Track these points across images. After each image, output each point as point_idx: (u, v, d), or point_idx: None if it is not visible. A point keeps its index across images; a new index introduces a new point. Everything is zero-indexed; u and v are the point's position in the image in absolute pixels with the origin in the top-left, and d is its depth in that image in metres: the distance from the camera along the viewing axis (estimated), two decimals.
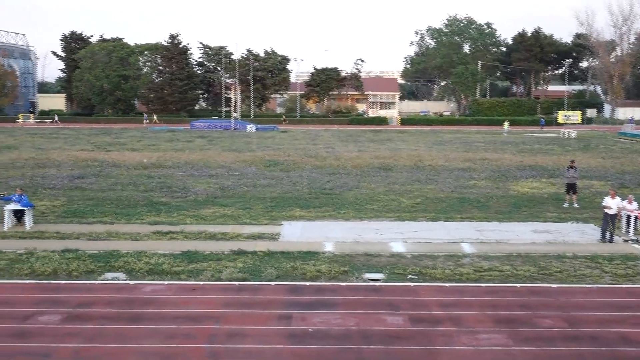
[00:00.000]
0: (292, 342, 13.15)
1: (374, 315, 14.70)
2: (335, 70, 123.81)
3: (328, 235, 22.59)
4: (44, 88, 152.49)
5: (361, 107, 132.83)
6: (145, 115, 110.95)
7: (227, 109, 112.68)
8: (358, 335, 13.54)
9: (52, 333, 13.50)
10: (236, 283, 17.05)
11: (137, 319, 14.37)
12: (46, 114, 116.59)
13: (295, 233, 23.00)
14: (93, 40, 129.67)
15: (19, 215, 23.77)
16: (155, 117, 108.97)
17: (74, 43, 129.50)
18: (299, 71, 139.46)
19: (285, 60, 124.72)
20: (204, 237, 22.17)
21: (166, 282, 17.09)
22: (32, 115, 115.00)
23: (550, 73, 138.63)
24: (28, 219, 23.51)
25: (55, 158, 46.92)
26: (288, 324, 14.17)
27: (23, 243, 21.09)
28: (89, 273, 17.86)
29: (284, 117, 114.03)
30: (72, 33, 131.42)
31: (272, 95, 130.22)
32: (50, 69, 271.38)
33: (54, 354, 12.41)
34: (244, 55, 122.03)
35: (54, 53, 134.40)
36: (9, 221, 23.38)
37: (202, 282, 17.10)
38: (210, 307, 15.22)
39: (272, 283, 17.07)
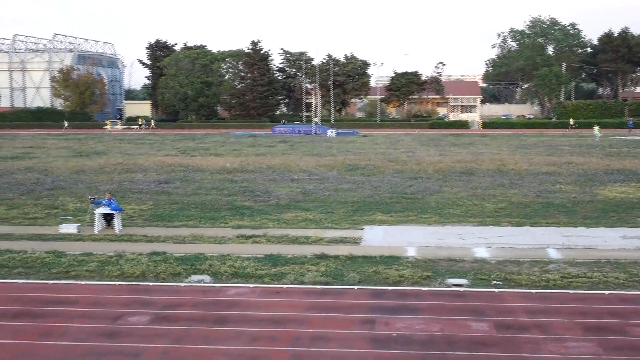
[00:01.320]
0: (375, 347, 13.12)
1: (458, 321, 14.53)
2: (415, 74, 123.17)
3: (410, 239, 22.46)
4: (131, 95, 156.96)
5: (442, 111, 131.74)
6: (142, 120, 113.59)
7: (307, 113, 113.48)
8: (442, 341, 13.40)
9: (141, 333, 13.85)
10: (319, 287, 17.12)
11: (222, 321, 14.60)
12: (133, 120, 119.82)
13: (377, 237, 22.96)
14: (177, 48, 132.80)
15: (108, 218, 24.49)
16: (152, 124, 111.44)
17: (159, 51, 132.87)
18: (379, 75, 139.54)
19: (365, 64, 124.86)
20: (287, 240, 22.36)
21: (250, 285, 17.32)
22: (119, 121, 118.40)
23: (638, 74, 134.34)
24: (117, 222, 24.22)
25: (141, 163, 48.17)
26: (371, 328, 14.15)
27: (112, 246, 21.73)
28: (175, 275, 18.26)
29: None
30: (157, 41, 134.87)
31: (352, 100, 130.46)
32: (137, 77, 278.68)
33: (144, 354, 12.72)
34: (324, 61, 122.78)
35: (140, 61, 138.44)
36: (99, 224, 24.12)
37: (285, 286, 17.25)
38: (293, 310, 15.33)
39: (355, 287, 17.08)
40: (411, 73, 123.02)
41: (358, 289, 16.98)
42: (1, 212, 28.37)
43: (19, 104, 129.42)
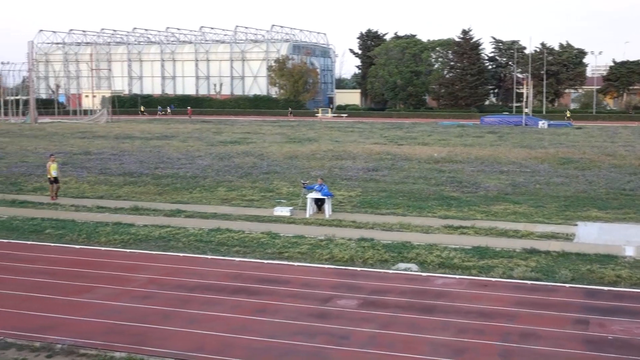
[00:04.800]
0: (588, 349, 12.55)
1: None
2: (637, 64, 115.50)
3: (629, 239, 21.16)
4: (341, 84, 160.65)
5: None
6: (159, 107, 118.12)
7: (517, 104, 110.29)
8: None
9: (349, 316, 14.20)
10: (528, 282, 16.64)
11: (428, 310, 14.63)
12: (342, 109, 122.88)
13: (592, 234, 21.88)
14: (388, 37, 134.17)
15: (319, 203, 25.30)
16: (169, 109, 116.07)
17: (370, 41, 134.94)
18: (596, 65, 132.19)
19: (581, 53, 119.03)
20: (495, 233, 21.91)
21: (457, 276, 17.19)
22: (330, 109, 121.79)
23: None
24: (327, 208, 24.97)
25: (351, 150, 49.26)
26: (584, 329, 13.54)
27: (323, 230, 22.43)
28: (382, 262, 18.52)
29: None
30: (369, 31, 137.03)
31: (566, 90, 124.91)
32: (347, 66, 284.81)
33: (351, 337, 13.05)
34: (537, 49, 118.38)
35: (351, 50, 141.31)
36: (310, 208, 24.99)
37: (493, 279, 16.94)
38: (501, 304, 15.02)
39: (567, 285, 16.41)
40: (632, 62, 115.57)
41: (570, 287, 16.31)
42: (222, 193, 30.25)
43: (238, 91, 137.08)
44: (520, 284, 16.57)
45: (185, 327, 13.52)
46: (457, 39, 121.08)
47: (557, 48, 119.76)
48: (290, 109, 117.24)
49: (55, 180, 28.85)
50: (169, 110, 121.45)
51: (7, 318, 13.99)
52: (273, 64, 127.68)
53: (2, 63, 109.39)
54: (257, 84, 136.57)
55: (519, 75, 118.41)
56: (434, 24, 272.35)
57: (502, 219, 24.29)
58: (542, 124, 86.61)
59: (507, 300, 15.35)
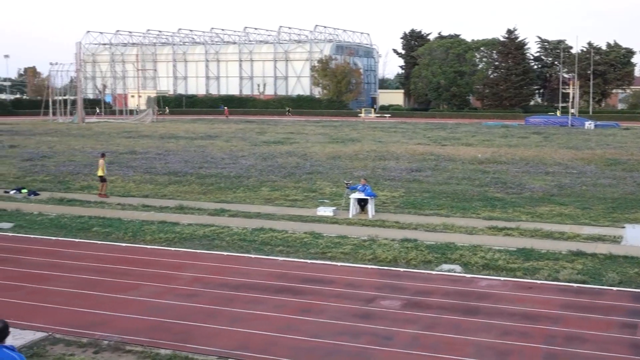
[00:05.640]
0: (635, 353, 12.32)
1: None
2: None
3: None
4: (384, 84, 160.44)
5: None
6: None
7: (563, 104, 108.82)
8: None
9: (393, 317, 14.17)
10: (574, 285, 16.41)
11: (472, 312, 14.52)
12: (385, 109, 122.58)
13: None
14: (431, 37, 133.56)
15: (362, 203, 25.29)
16: (167, 110, 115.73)
17: (413, 41, 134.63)
18: None
19: (629, 53, 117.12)
20: (540, 235, 21.66)
21: (501, 278, 17.03)
22: (373, 110, 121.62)
23: None
24: (371, 208, 24.95)
25: (394, 151, 49.14)
26: (632, 333, 13.31)
27: (366, 230, 22.41)
28: (426, 263, 18.44)
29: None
30: (412, 31, 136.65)
31: (613, 91, 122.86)
32: (390, 66, 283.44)
33: (395, 338, 13.02)
34: (584, 49, 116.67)
35: (395, 51, 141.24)
36: (353, 209, 24.99)
37: (538, 281, 16.74)
38: (546, 307, 14.84)
39: (614, 288, 16.14)
40: None
41: (618, 290, 16.04)
42: (265, 193, 30.42)
43: (281, 92, 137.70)
44: (566, 286, 16.35)
45: (230, 325, 13.64)
46: (501, 39, 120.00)
47: (604, 47, 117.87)
48: (288, 109, 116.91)
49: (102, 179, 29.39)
50: (167, 110, 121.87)
51: (55, 314, 14.27)
52: (316, 64, 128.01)
53: (51, 64, 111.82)
54: (300, 84, 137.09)
55: (565, 75, 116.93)
56: (478, 24, 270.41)
57: (548, 221, 24.00)
58: (589, 124, 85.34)
59: (552, 302, 15.17)
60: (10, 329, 7.69)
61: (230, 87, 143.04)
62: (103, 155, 30.99)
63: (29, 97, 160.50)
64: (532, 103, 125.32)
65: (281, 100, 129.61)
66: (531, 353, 12.34)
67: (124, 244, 20.72)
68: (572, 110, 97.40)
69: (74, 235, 21.98)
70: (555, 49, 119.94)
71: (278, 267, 18.19)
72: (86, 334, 13.09)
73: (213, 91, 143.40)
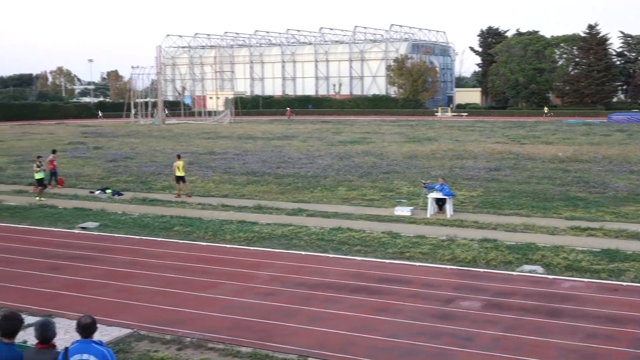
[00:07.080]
0: None
1: None
2: None
3: None
4: (460, 82, 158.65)
5: None
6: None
7: None
8: None
9: (473, 318, 13.99)
10: None
11: (555, 314, 14.20)
12: (462, 108, 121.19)
13: None
14: (509, 34, 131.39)
15: (440, 203, 25.05)
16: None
17: (490, 38, 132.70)
18: None
19: None
20: (626, 235, 21.02)
21: (585, 280, 16.60)
22: (449, 108, 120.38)
23: None
24: (449, 208, 24.68)
25: (471, 150, 48.52)
26: None
27: (444, 230, 22.18)
28: (506, 264, 18.13)
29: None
30: (489, 28, 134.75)
31: None
32: (467, 64, 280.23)
33: (475, 339, 12.85)
34: None
35: (472, 48, 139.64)
36: (431, 208, 24.78)
37: (624, 283, 16.26)
38: (633, 309, 14.40)
39: None
40: None
41: None
42: (342, 192, 30.46)
43: (357, 91, 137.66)
44: None
45: (308, 324, 13.70)
46: (582, 35, 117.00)
47: None
48: (288, 109, 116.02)
49: (180, 179, 29.93)
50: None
51: (140, 311, 14.62)
52: (392, 64, 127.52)
53: (133, 67, 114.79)
54: (376, 84, 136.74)
55: None
56: (557, 20, 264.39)
57: (634, 221, 23.27)
58: None
59: (638, 305, 14.70)
60: (97, 325, 7.92)
61: (307, 88, 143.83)
62: (179, 156, 31.55)
63: (111, 100, 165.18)
64: (614, 100, 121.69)
65: (356, 100, 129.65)
66: (617, 357, 12.00)
67: (204, 243, 21.07)
68: None
69: (156, 234, 22.48)
70: (638, 44, 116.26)
71: (356, 266, 18.18)
72: (169, 331, 13.37)
73: (289, 92, 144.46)
